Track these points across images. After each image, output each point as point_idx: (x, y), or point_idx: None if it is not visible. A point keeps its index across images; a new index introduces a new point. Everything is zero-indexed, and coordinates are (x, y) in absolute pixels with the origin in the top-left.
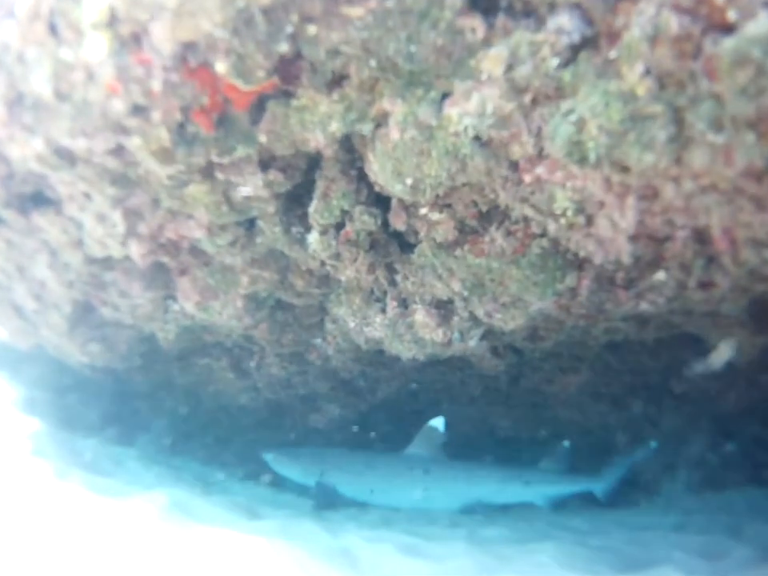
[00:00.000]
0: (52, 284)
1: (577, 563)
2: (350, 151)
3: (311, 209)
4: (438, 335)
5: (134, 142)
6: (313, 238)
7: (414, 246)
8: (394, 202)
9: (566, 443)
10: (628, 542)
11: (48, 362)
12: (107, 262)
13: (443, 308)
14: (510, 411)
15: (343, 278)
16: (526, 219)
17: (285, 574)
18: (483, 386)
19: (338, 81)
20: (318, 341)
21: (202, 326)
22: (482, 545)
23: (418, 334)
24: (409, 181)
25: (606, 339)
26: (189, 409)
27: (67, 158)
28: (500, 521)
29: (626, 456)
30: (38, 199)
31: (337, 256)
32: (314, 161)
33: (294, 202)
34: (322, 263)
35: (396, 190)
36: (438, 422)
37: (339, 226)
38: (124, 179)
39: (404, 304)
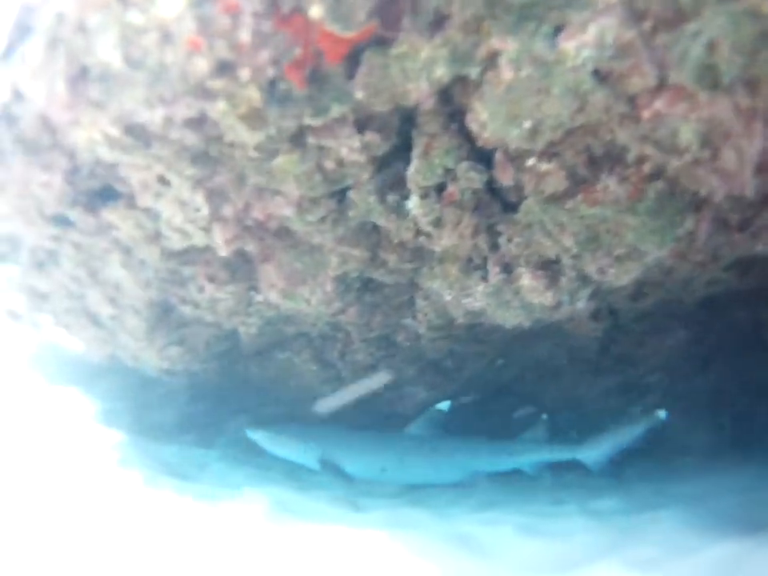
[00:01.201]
0: (128, 285)
1: (706, 529)
2: (449, 103)
3: (411, 170)
4: (547, 298)
5: (218, 108)
6: (413, 203)
7: (514, 204)
8: (498, 156)
9: (545, 416)
10: (744, 504)
11: (122, 372)
12: (186, 255)
13: (550, 269)
14: (597, 380)
15: (438, 249)
16: (639, 161)
17: (416, 566)
18: (570, 356)
19: (439, 22)
20: (408, 320)
21: (286, 317)
22: (599, 518)
23: (525, 300)
24: (527, 124)
25: (705, 293)
26: (266, 406)
27: (141, 136)
28: (604, 493)
29: (620, 425)
30: (107, 194)
31: (437, 221)
32: (408, 118)
33: (386, 167)
34: (417, 233)
35: (512, 136)
36: (443, 406)
37: (439, 188)
38: (205, 157)
39: (507, 269)
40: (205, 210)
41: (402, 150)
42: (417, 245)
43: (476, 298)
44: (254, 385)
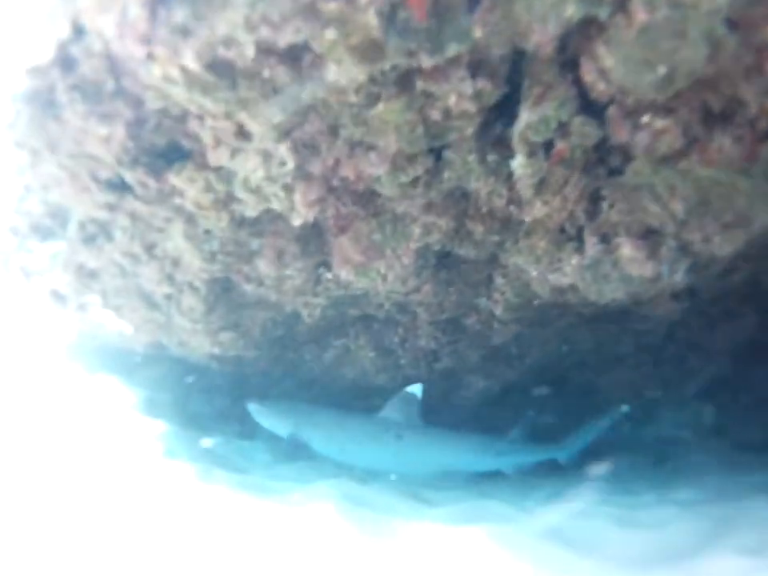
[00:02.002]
0: (189, 258)
1: None
2: (563, 51)
3: (520, 124)
4: (647, 270)
5: (326, 37)
6: (518, 161)
7: (618, 167)
8: (612, 110)
9: (531, 413)
10: None
11: (164, 360)
12: (257, 225)
13: (650, 238)
14: (658, 369)
15: (528, 219)
16: (754, 120)
17: (526, 565)
18: (636, 342)
19: None
20: (483, 300)
21: (353, 298)
22: (685, 508)
23: (624, 272)
24: (662, 70)
25: None
26: (315, 396)
27: (226, 74)
28: (676, 484)
29: (589, 424)
30: (172, 154)
31: (541, 183)
32: (516, 65)
33: (490, 122)
34: (509, 201)
35: (644, 83)
36: (415, 389)
37: (546, 146)
38: (296, 101)
39: (605, 239)
40: (290, 164)
41: (504, 103)
42: (505, 214)
43: (565, 273)
44: (304, 374)
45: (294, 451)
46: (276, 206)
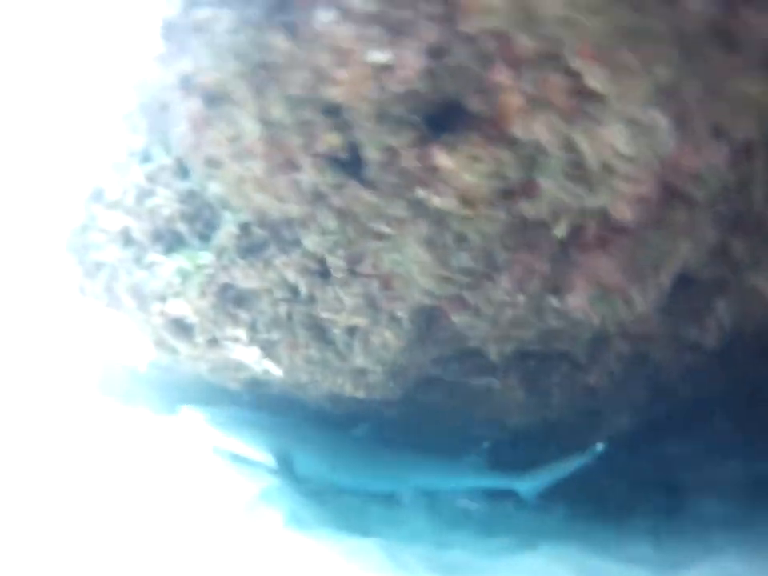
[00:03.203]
0: (418, 277)
1: None
2: None
3: None
4: None
5: None
6: None
7: None
8: None
9: (486, 444)
10: None
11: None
12: (515, 234)
13: None
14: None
15: None
16: None
17: None
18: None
19: None
20: (693, 330)
21: (553, 332)
22: None
23: None
24: None
25: None
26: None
27: None
28: None
29: (562, 459)
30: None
31: None
32: None
33: None
34: None
35: None
36: None
37: None
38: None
39: None
40: (662, 135)
41: None
42: None
43: None
44: (423, 415)
45: (284, 472)
46: (600, 198)
